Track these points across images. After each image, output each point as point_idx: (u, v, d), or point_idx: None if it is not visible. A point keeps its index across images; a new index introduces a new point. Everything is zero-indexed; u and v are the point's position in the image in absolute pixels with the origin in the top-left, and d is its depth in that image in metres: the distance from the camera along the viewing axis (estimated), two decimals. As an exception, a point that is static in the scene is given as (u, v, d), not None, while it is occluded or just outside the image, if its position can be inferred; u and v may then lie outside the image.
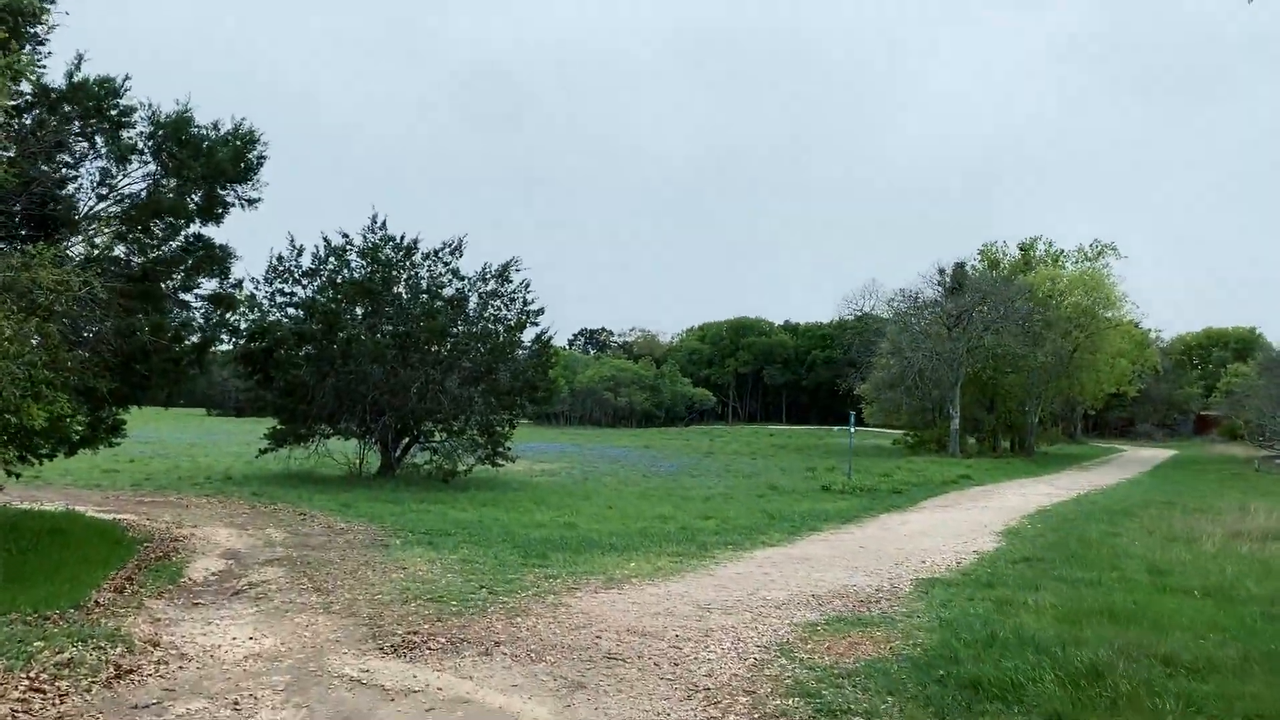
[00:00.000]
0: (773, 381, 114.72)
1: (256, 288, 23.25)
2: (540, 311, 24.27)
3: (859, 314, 49.16)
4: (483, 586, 9.52)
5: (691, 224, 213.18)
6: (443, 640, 7.04)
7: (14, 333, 7.46)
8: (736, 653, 7.08)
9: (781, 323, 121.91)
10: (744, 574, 11.15)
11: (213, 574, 10.67)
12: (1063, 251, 52.29)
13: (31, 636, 6.41)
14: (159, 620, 7.76)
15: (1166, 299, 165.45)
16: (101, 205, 11.26)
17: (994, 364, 42.48)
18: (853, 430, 27.78)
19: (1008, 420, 49.53)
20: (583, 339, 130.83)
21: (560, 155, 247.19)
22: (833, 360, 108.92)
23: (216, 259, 12.95)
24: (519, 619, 7.95)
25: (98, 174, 11.17)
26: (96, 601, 8.04)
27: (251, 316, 22.56)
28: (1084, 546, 13.92)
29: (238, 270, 14.16)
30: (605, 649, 6.99)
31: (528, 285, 24.09)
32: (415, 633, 7.28)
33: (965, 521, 18.22)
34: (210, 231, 13.28)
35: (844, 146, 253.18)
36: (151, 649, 6.65)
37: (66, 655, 6.00)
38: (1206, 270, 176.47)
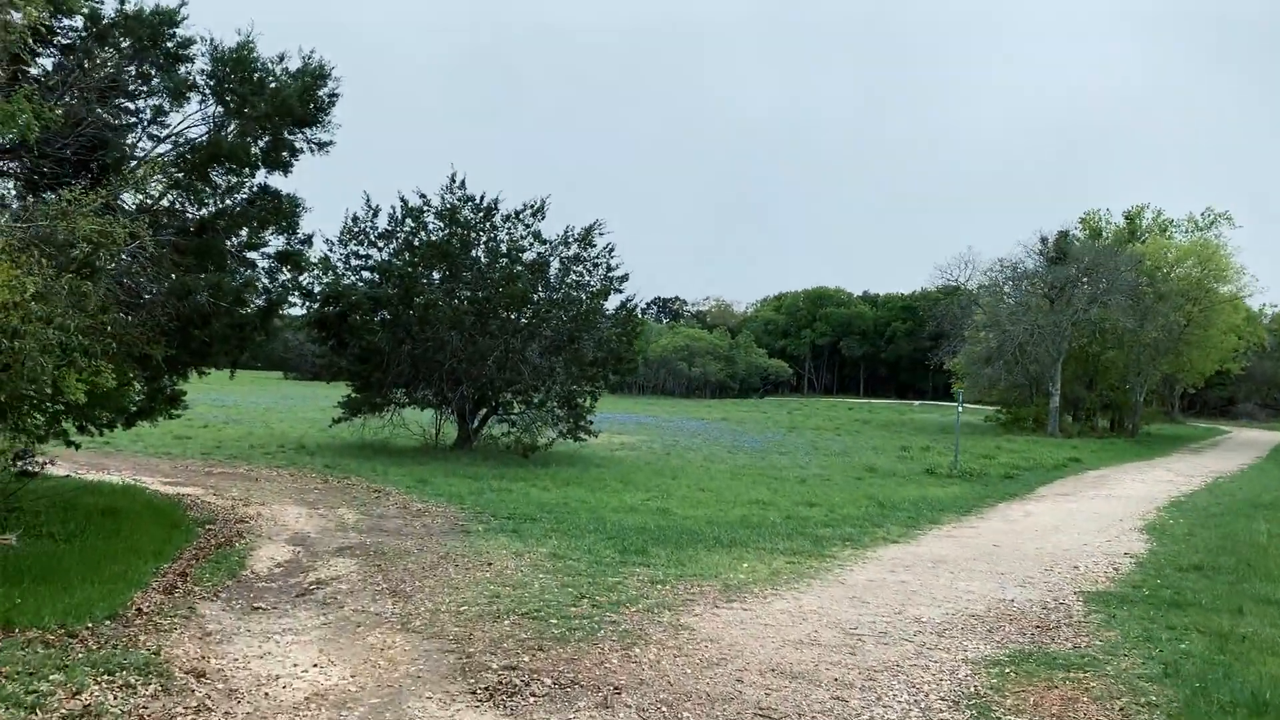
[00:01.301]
0: (850, 354, 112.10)
1: (330, 249, 22.24)
2: (625, 278, 22.83)
3: (953, 284, 46.53)
4: (583, 596, 8.13)
5: (769, 192, 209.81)
6: (549, 681, 5.65)
7: (40, 290, 6.23)
8: (919, 708, 5.57)
9: (860, 293, 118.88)
10: (878, 582, 9.62)
11: (278, 565, 9.48)
12: (1172, 220, 49.04)
13: (49, 666, 5.18)
14: (209, 635, 6.52)
15: (1265, 272, 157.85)
16: (156, 149, 10.08)
17: (1100, 339, 39.86)
18: (960, 409, 25.85)
19: (1107, 398, 46.84)
20: (656, 308, 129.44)
21: (636, 121, 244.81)
22: (914, 333, 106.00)
23: (284, 212, 11.68)
24: (636, 649, 6.53)
25: (150, 113, 9.99)
26: (139, 609, 6.82)
27: (326, 279, 21.52)
28: (1257, 552, 12.08)
29: (308, 226, 12.94)
30: (753, 700, 5.54)
31: (611, 250, 22.66)
32: (514, 668, 5.89)
33: (1096, 514, 16.42)
34: (277, 182, 12.06)
35: (922, 115, 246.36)
36: (194, 682, 5.37)
37: (84, 699, 4.74)
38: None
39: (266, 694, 5.35)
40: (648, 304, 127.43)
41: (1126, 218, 50.11)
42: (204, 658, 5.90)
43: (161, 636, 6.26)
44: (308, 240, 12.74)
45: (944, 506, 16.63)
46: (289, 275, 12.79)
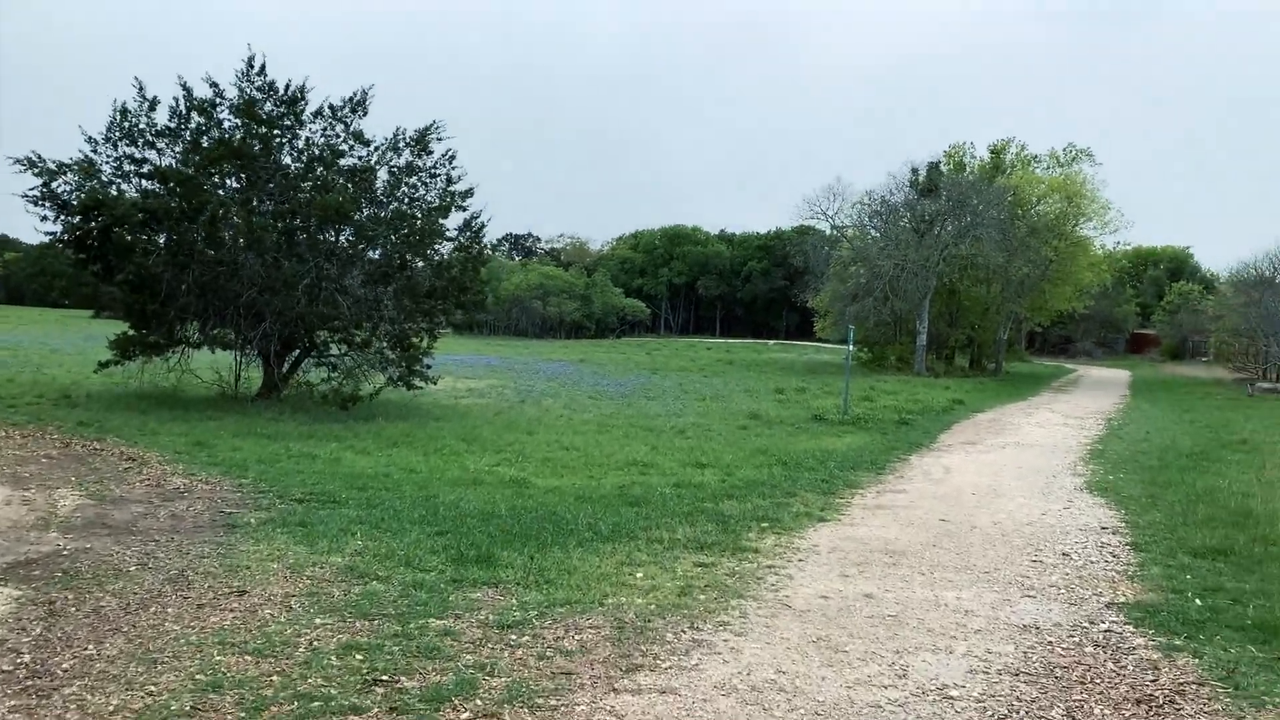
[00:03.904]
0: (707, 293, 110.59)
1: (95, 150, 17.56)
2: (469, 193, 18.95)
3: (820, 216, 44.24)
4: (381, 676, 4.70)
5: (626, 130, 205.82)
6: None
7: None
8: None
9: (718, 233, 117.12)
10: (836, 601, 6.58)
11: (-126, 610, 5.66)
12: (1035, 156, 48.11)
13: None
14: None
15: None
16: None
17: (970, 274, 38.42)
18: (851, 349, 23.27)
19: (970, 337, 45.97)
20: (508, 244, 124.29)
21: (485, 48, 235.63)
22: (770, 272, 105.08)
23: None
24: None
25: None
26: None
27: (84, 184, 16.89)
28: (1264, 524, 9.72)
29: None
30: None
31: (452, 158, 18.72)
32: None
33: (1020, 469, 14.15)
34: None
35: (771, 58, 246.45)
36: None
37: None
38: (1123, 191, 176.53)
39: None
40: (499, 240, 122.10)
41: (991, 152, 48.96)
42: None
43: None
44: None
45: (852, 462, 13.92)
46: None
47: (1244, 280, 45.90)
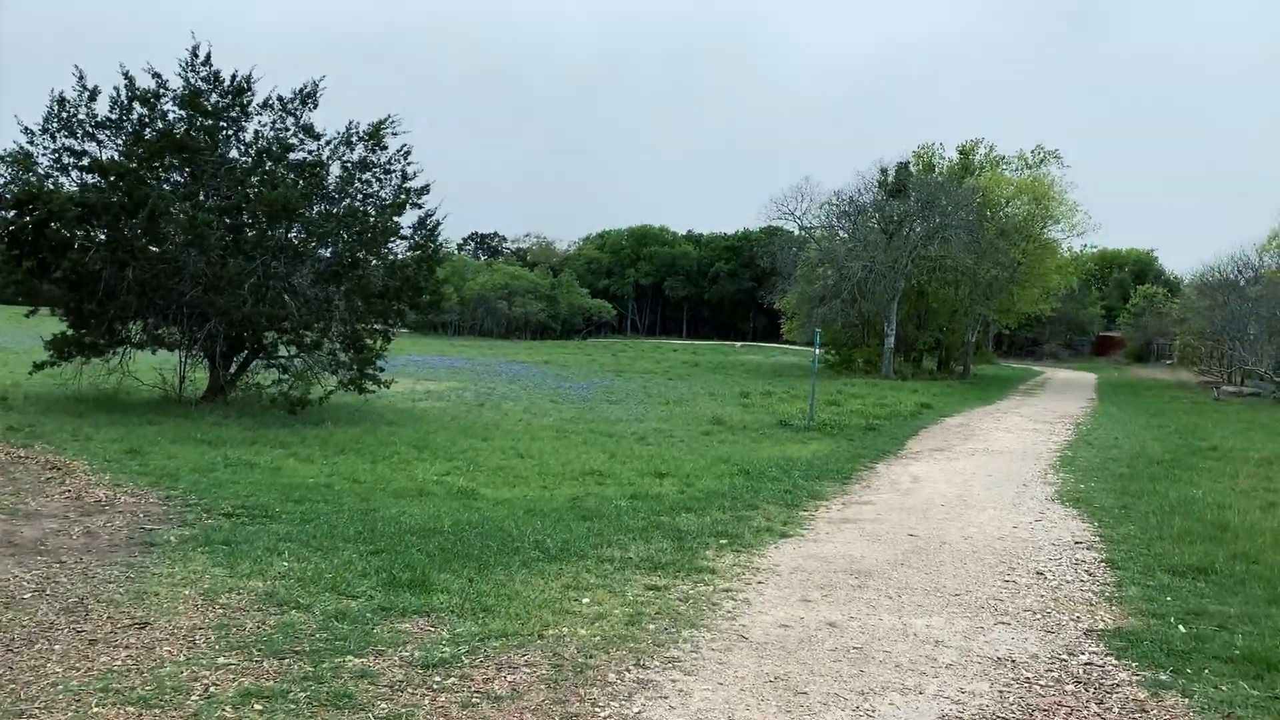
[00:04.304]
0: (674, 294, 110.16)
1: (31, 141, 16.78)
2: (425, 190, 18.32)
3: (787, 215, 43.76)
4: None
5: (593, 131, 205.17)
6: None
7: None
8: None
9: (685, 233, 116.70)
10: (796, 630, 6.10)
11: None
12: (1003, 157, 48.05)
13: None
14: None
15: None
16: None
17: (939, 276, 38.19)
18: (818, 352, 22.78)
19: (937, 339, 45.81)
20: (473, 244, 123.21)
21: (453, 63, 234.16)
22: (737, 274, 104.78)
23: None
24: None
25: None
26: None
27: (19, 177, 16.11)
28: (1241, 538, 9.38)
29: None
30: None
31: (408, 153, 18.08)
32: None
33: (990, 477, 13.78)
34: None
35: (737, 60, 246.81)
36: None
37: None
38: (1088, 193, 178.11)
39: None
40: (464, 239, 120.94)
41: (960, 152, 48.85)
42: None
43: None
44: None
45: (816, 471, 13.48)
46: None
47: (1208, 283, 46.10)
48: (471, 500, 10.14)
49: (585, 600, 6.44)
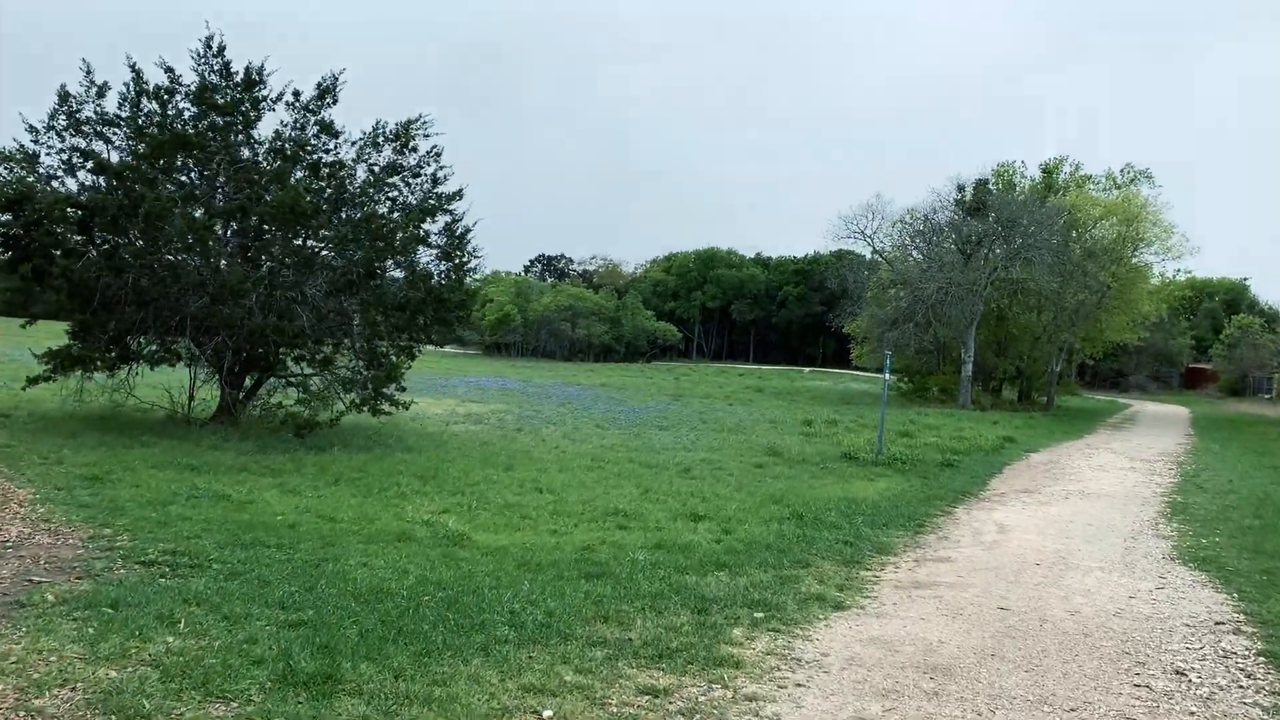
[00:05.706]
0: (741, 318, 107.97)
1: (36, 140, 15.65)
2: (457, 195, 16.76)
3: (857, 234, 41.39)
4: None
5: (662, 156, 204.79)
6: None
7: None
8: None
9: (753, 256, 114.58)
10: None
11: None
12: (1089, 176, 45.16)
13: None
14: None
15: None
16: None
17: (1020, 300, 35.58)
18: (889, 378, 20.52)
19: (1018, 368, 43.00)
20: (540, 265, 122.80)
21: (527, 96, 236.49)
22: (806, 297, 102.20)
23: None
24: None
25: None
26: None
27: (18, 176, 14.97)
28: None
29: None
30: None
31: (438, 155, 16.54)
32: None
33: (1090, 528, 11.68)
34: None
35: (808, 82, 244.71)
36: None
37: None
38: (1176, 218, 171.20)
39: None
40: (531, 261, 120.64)
41: (1043, 170, 46.08)
42: None
43: None
44: None
45: (884, 517, 11.44)
46: None
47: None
48: (457, 548, 8.36)
49: (547, 716, 4.59)
